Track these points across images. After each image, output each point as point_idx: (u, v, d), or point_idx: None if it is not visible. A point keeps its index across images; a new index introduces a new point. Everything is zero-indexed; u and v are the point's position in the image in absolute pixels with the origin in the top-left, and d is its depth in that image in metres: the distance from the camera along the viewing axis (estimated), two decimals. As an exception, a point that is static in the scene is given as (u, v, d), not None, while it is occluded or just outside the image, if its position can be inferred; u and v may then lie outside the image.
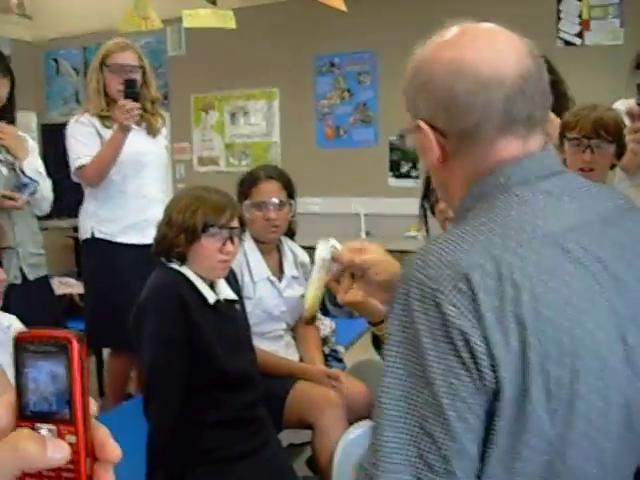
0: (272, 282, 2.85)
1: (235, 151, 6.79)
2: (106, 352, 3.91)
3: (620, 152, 2.70)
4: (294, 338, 3.05)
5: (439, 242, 1.01)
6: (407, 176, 6.25)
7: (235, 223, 2.36)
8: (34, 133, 6.61)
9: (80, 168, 3.40)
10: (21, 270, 3.21)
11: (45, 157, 3.73)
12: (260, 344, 2.85)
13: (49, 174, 3.46)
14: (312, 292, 1.24)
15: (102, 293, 3.52)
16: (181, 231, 2.31)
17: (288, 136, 6.60)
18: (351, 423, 2.56)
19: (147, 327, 2.24)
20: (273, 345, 2.91)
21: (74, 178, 3.49)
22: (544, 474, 0.99)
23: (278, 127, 6.64)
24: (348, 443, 2.38)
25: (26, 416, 0.59)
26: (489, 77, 1.06)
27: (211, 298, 2.33)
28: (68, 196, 3.89)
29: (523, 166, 1.08)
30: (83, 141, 3.42)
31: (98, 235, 3.51)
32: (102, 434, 0.60)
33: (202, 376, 2.26)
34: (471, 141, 1.09)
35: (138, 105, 3.26)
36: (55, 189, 3.48)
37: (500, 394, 0.95)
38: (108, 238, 3.49)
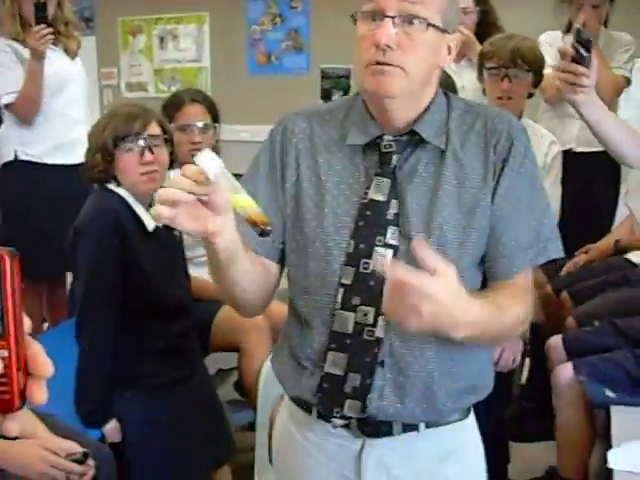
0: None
1: (164, 77, 6.63)
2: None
3: (537, 81, 2.76)
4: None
5: None
6: (338, 105, 6.22)
7: (153, 130, 2.26)
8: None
9: (7, 106, 3.35)
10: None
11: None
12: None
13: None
14: (240, 199, 1.14)
15: (23, 217, 3.45)
16: (97, 151, 2.24)
17: (218, 62, 6.47)
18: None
19: (84, 253, 2.21)
20: (199, 270, 2.91)
21: (2, 112, 3.44)
22: None
23: (208, 52, 6.50)
24: (273, 365, 2.43)
25: None
26: None
27: (150, 225, 2.27)
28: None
29: None
30: (4, 74, 3.35)
31: (23, 157, 3.43)
32: (35, 350, 0.61)
33: (137, 304, 2.25)
34: None
35: (50, 30, 3.21)
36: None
37: None
38: (35, 160, 3.42)
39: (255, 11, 6.28)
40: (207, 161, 1.11)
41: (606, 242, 3.29)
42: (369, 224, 1.36)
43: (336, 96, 6.27)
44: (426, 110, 1.40)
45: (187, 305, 2.41)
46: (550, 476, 2.60)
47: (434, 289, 1.11)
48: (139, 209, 2.28)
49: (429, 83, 1.40)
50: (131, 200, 2.27)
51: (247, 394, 2.76)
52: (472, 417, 1.52)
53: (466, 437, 1.51)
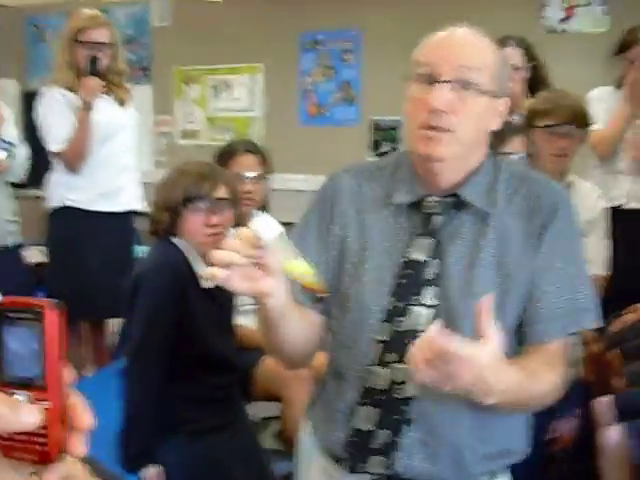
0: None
1: (217, 125, 6.75)
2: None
3: (585, 138, 2.81)
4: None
5: None
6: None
7: (221, 193, 2.28)
8: (15, 100, 6.54)
9: (57, 154, 3.46)
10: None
11: (26, 125, 3.73)
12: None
13: (29, 142, 3.48)
14: (293, 265, 1.16)
15: (68, 262, 3.52)
16: (164, 208, 2.26)
17: (271, 112, 6.57)
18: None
19: (145, 301, 2.23)
20: (245, 319, 2.93)
21: (52, 159, 3.54)
22: None
23: (261, 102, 6.61)
24: (315, 415, 2.41)
25: (3, 383, 0.61)
26: None
27: (205, 283, 2.28)
28: (46, 165, 3.87)
29: None
30: (56, 122, 3.45)
31: (68, 204, 3.51)
32: (77, 403, 0.62)
33: (187, 355, 2.27)
34: None
35: (100, 82, 3.33)
36: (33, 157, 3.49)
37: None
38: (79, 206, 3.50)
39: (308, 63, 6.38)
40: (263, 226, 1.13)
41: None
42: (408, 283, 1.38)
43: (385, 147, 6.34)
44: (473, 172, 1.42)
45: (233, 359, 2.42)
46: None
47: (479, 358, 1.12)
48: (197, 265, 2.29)
49: (479, 147, 1.42)
50: (191, 256, 2.29)
51: (289, 444, 2.74)
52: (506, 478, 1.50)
53: None
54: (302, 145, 6.33)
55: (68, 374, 0.62)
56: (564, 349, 1.41)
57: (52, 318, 0.60)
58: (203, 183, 2.25)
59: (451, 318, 1.29)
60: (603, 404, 2.46)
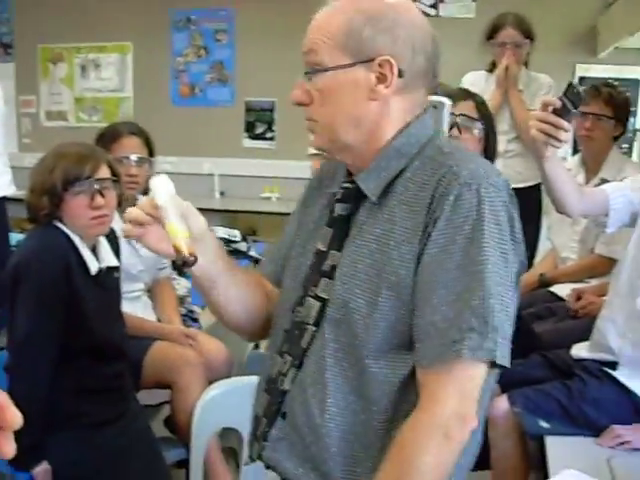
0: (129, 241, 2.79)
1: (85, 106, 6.52)
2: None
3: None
4: (151, 299, 3.02)
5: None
6: (262, 138, 6.24)
7: (103, 173, 2.20)
8: None
9: None
10: None
11: None
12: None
13: None
14: (177, 228, 1.14)
15: None
16: (42, 193, 2.15)
17: (141, 92, 6.41)
18: (210, 382, 2.57)
19: (27, 290, 2.11)
20: (131, 306, 2.86)
21: None
22: None
23: (131, 82, 6.43)
24: (207, 402, 2.39)
25: None
26: (432, 35, 1.30)
27: (93, 268, 2.22)
28: None
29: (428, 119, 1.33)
30: None
31: None
32: (1, 400, 0.59)
33: (74, 344, 2.18)
34: (416, 84, 1.28)
35: None
36: None
37: None
38: None
39: (180, 43, 6.26)
40: (158, 187, 1.18)
41: (531, 275, 3.38)
42: (311, 273, 1.35)
43: (260, 129, 6.32)
44: (379, 157, 1.28)
45: (122, 347, 2.37)
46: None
47: None
48: (84, 251, 2.22)
49: (363, 125, 1.27)
50: (77, 241, 2.21)
51: (179, 431, 2.71)
52: None
53: None
54: (174, 126, 6.22)
55: None
56: (451, 380, 1.16)
57: None
58: (84, 164, 2.15)
59: (341, 313, 1.25)
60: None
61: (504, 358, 1.18)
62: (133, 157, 2.80)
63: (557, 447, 2.13)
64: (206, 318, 3.35)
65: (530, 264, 3.71)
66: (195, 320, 3.29)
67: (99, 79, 6.46)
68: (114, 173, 2.26)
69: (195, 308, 3.36)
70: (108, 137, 2.83)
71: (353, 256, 1.27)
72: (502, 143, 3.73)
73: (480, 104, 2.59)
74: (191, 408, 2.53)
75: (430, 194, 1.20)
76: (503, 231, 1.19)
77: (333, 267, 1.30)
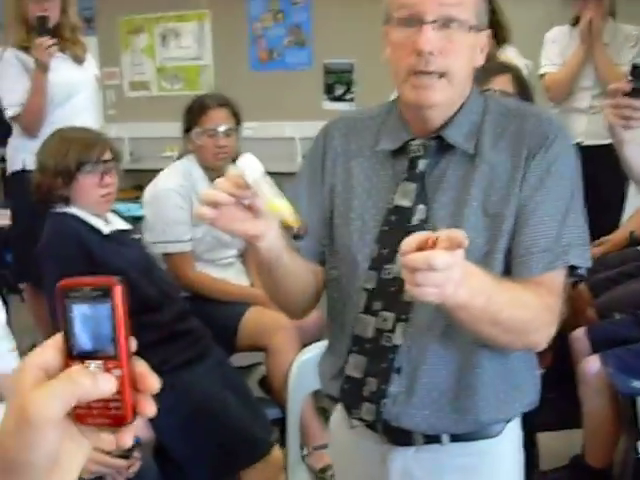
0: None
1: (167, 75, 6.64)
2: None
3: None
4: (244, 265, 3.11)
5: None
6: (341, 99, 6.24)
7: (107, 156, 2.43)
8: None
9: (14, 118, 3.40)
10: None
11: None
12: (211, 271, 2.91)
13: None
14: (276, 203, 1.17)
15: (31, 226, 3.49)
16: (56, 175, 2.38)
17: (220, 59, 6.48)
18: (303, 345, 2.65)
19: (49, 276, 2.30)
20: (224, 272, 2.96)
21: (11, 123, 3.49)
22: None
23: (210, 50, 6.51)
24: (302, 364, 2.47)
25: (74, 356, 0.65)
26: None
27: (105, 229, 2.41)
28: (8, 129, 3.78)
29: None
30: (11, 86, 3.39)
31: (30, 167, 3.47)
32: (142, 368, 0.66)
33: None
34: None
35: (54, 41, 3.26)
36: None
37: None
38: None
39: (256, 8, 6.29)
40: (247, 166, 1.17)
41: (621, 234, 3.33)
42: (393, 230, 1.35)
43: (339, 91, 6.33)
44: (458, 112, 1.37)
45: (169, 292, 2.53)
46: (575, 464, 2.65)
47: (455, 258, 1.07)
48: (93, 219, 2.41)
49: (466, 85, 1.38)
50: (83, 214, 2.40)
51: (274, 392, 2.81)
52: (511, 434, 1.47)
53: (499, 454, 1.46)
54: (254, 92, 6.28)
55: (133, 343, 0.66)
56: (557, 286, 1.32)
57: (119, 293, 0.64)
58: (93, 148, 2.40)
59: None
60: (578, 337, 2.57)
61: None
62: (221, 128, 2.86)
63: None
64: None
65: (616, 221, 3.66)
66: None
67: (179, 48, 6.56)
68: (115, 154, 2.48)
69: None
70: (196, 110, 2.90)
71: (452, 207, 1.33)
72: (586, 99, 3.68)
73: (516, 77, 2.59)
74: (285, 370, 2.62)
75: (523, 139, 1.33)
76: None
77: (423, 221, 1.34)
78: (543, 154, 1.31)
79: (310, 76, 6.22)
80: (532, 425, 2.84)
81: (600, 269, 3.14)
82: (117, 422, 0.65)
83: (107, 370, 0.64)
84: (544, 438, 3.02)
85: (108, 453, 1.93)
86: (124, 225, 2.52)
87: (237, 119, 2.95)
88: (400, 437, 1.41)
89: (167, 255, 2.85)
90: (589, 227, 3.48)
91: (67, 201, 2.41)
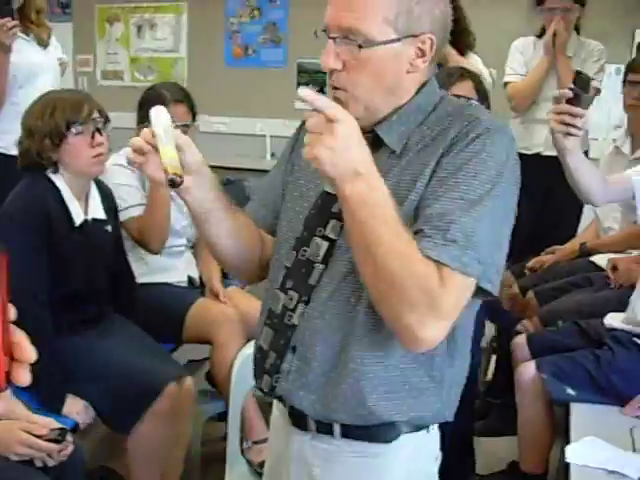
0: (172, 197, 2.87)
1: (141, 65, 6.62)
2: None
3: None
4: (194, 255, 3.11)
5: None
6: (313, 100, 6.25)
7: (96, 115, 2.36)
8: None
9: None
10: None
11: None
12: (161, 259, 2.90)
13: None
14: (168, 152, 1.25)
15: None
16: (44, 136, 2.30)
17: (195, 52, 6.48)
18: (249, 339, 2.66)
19: (12, 236, 2.25)
20: (174, 260, 2.96)
21: None
22: None
23: (185, 43, 6.50)
24: (245, 358, 2.48)
25: None
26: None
27: (78, 219, 2.37)
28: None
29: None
30: None
31: None
32: (19, 337, 0.67)
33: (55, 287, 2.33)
34: (437, 55, 1.34)
35: (16, 22, 3.23)
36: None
37: None
38: (3, 151, 3.43)
39: (234, 3, 6.29)
40: (154, 117, 1.28)
41: (572, 244, 3.38)
42: (317, 214, 1.40)
43: (313, 91, 6.31)
44: (390, 116, 1.33)
45: (105, 293, 2.55)
46: (512, 470, 2.68)
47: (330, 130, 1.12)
48: (71, 202, 2.36)
49: (396, 92, 1.33)
50: (66, 192, 2.35)
51: (218, 385, 2.81)
52: (410, 447, 1.40)
53: (390, 463, 1.40)
54: (227, 87, 6.27)
55: (10, 311, 0.66)
56: (446, 279, 1.19)
57: None
58: (82, 106, 2.33)
59: (348, 254, 1.29)
60: (520, 343, 2.60)
61: (487, 283, 1.24)
62: (178, 124, 2.84)
63: (581, 415, 2.17)
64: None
65: (572, 232, 3.70)
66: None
67: (154, 39, 6.54)
68: (104, 115, 2.41)
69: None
70: (150, 103, 2.85)
71: None
72: (548, 110, 3.71)
73: (479, 84, 2.63)
74: (229, 363, 2.63)
75: (451, 136, 1.27)
76: (512, 173, 1.29)
77: (340, 210, 1.31)
78: (458, 151, 1.25)
79: (284, 74, 6.22)
80: (471, 430, 2.89)
81: (549, 278, 3.19)
82: None
83: None
84: (484, 443, 3.06)
85: (39, 437, 1.93)
86: (101, 215, 2.48)
87: (193, 113, 2.93)
88: (298, 420, 1.44)
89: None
90: (546, 234, 3.50)
91: (56, 166, 2.34)
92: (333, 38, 1.27)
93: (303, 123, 1.36)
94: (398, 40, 1.27)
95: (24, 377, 0.66)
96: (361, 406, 1.34)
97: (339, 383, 1.35)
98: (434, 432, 1.45)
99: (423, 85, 1.36)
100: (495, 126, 1.29)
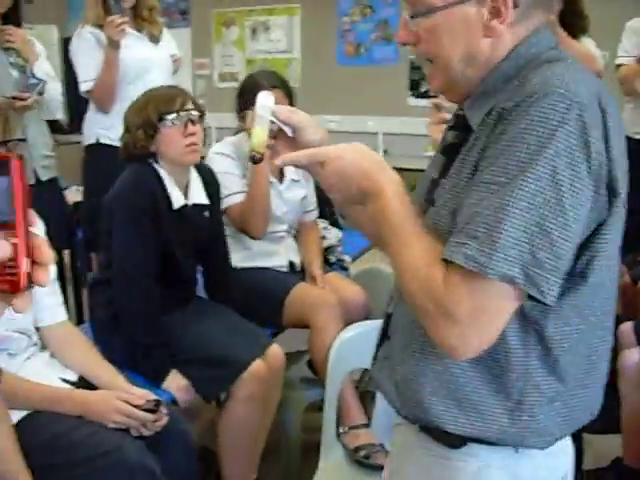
0: (272, 183, 2.88)
1: (255, 67, 6.76)
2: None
3: None
4: (296, 241, 3.12)
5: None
6: (426, 96, 6.19)
7: (190, 106, 2.44)
8: (55, 47, 6.59)
9: (87, 92, 3.51)
10: (34, 172, 3.29)
11: (66, 70, 3.77)
12: (262, 244, 2.93)
13: (71, 89, 3.53)
14: (258, 133, 1.31)
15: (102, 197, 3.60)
16: (138, 129, 2.40)
17: (308, 53, 6.56)
18: (347, 324, 2.64)
19: (120, 218, 2.37)
20: (275, 246, 2.99)
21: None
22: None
23: (299, 43, 6.59)
24: (343, 342, 2.45)
25: None
26: None
27: (176, 203, 2.44)
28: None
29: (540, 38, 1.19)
30: (86, 61, 3.49)
31: (103, 141, 3.57)
32: (39, 240, 0.70)
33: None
34: (534, 11, 1.17)
35: (126, 19, 3.33)
36: (76, 104, 3.54)
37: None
38: (113, 144, 3.55)
39: (346, 3, 6.33)
40: (259, 102, 1.33)
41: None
42: (425, 202, 1.28)
43: (424, 87, 6.27)
44: (482, 84, 1.21)
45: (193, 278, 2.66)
46: (616, 467, 2.55)
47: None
48: (171, 187, 2.44)
49: (476, 61, 1.19)
50: (166, 177, 2.44)
51: (317, 371, 2.80)
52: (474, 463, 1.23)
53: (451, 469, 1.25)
54: (339, 85, 6.31)
55: (32, 217, 0.70)
56: (450, 281, 1.07)
57: (17, 167, 0.68)
58: (174, 99, 2.41)
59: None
60: (625, 329, 2.47)
61: (532, 286, 1.04)
62: None
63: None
64: (354, 267, 3.43)
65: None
66: (345, 269, 3.37)
67: (268, 41, 6.67)
68: (199, 107, 2.49)
69: (345, 257, 3.43)
70: (250, 91, 2.87)
71: (447, 186, 1.21)
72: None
73: None
74: (327, 347, 2.61)
75: (505, 103, 1.11)
76: (570, 146, 1.04)
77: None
78: (513, 117, 1.07)
79: (396, 71, 6.20)
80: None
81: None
82: (13, 288, 0.68)
83: (4, 238, 0.68)
84: (591, 439, 2.90)
85: (136, 406, 1.99)
86: (202, 200, 2.56)
87: (291, 100, 2.94)
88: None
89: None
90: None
91: (154, 157, 2.45)
92: (409, 15, 1.22)
93: None
94: (461, 2, 1.15)
95: (44, 278, 0.70)
96: (418, 405, 1.24)
97: (405, 376, 1.26)
98: (531, 453, 1.21)
99: (515, 48, 1.17)
100: (547, 89, 1.05)
